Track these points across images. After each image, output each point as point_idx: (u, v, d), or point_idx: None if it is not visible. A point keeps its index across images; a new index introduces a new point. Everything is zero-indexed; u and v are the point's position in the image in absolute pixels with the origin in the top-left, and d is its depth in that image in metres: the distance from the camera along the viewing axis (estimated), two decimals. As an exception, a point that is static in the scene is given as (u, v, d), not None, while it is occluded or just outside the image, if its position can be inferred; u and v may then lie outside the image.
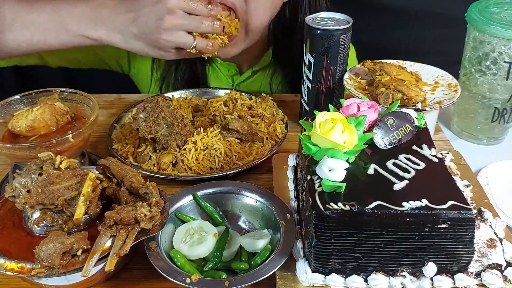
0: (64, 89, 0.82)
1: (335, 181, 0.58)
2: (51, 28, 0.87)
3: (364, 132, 0.65)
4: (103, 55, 1.15)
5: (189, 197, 0.70)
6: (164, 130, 0.81)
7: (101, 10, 0.86)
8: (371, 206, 0.55)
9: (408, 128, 0.67)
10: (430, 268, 0.57)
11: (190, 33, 0.84)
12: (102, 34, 0.86)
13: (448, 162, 0.75)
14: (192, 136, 0.84)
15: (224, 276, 0.61)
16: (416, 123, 0.69)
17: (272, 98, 0.99)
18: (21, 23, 0.86)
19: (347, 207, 0.55)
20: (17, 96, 0.81)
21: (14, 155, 0.72)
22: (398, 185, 0.58)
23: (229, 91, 1.00)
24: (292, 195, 0.73)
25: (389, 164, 0.62)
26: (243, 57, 1.06)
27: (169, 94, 1.02)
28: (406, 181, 0.59)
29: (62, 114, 0.79)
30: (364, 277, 0.59)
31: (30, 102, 0.81)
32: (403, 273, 0.58)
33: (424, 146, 0.65)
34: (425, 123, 0.70)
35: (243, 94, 1.00)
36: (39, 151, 0.60)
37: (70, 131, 0.73)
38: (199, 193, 0.71)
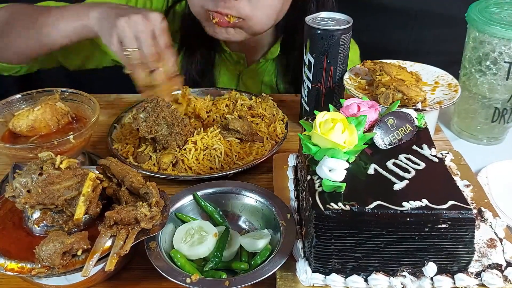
0: (64, 89, 0.82)
1: (335, 181, 0.58)
2: (53, 19, 0.88)
3: (364, 132, 0.65)
4: None
5: (189, 197, 0.70)
6: (164, 130, 0.81)
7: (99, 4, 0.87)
8: (371, 206, 0.55)
9: (408, 128, 0.67)
10: (430, 268, 0.57)
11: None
12: (91, 19, 0.85)
13: (448, 162, 0.75)
14: (192, 136, 0.84)
15: (224, 276, 0.61)
16: (416, 123, 0.69)
17: (272, 98, 0.99)
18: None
19: (347, 207, 0.55)
20: (18, 96, 0.80)
21: (14, 155, 0.72)
22: (398, 185, 0.58)
23: (229, 91, 1.01)
24: (292, 195, 0.73)
25: (389, 164, 0.62)
26: (251, 48, 1.09)
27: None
28: (406, 181, 0.59)
29: (63, 114, 0.79)
30: (364, 277, 0.59)
31: (31, 101, 0.81)
32: (403, 273, 0.58)
33: (424, 146, 0.65)
34: (425, 123, 0.70)
35: (243, 94, 1.00)
36: (39, 151, 0.60)
37: (71, 132, 0.73)
38: (199, 193, 0.71)
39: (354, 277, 0.59)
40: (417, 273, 0.59)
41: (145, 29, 0.80)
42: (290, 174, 0.78)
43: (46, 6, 0.95)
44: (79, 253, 0.56)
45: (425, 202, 0.55)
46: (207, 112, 0.95)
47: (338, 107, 0.70)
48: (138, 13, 0.81)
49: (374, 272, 0.58)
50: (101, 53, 1.10)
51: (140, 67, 0.82)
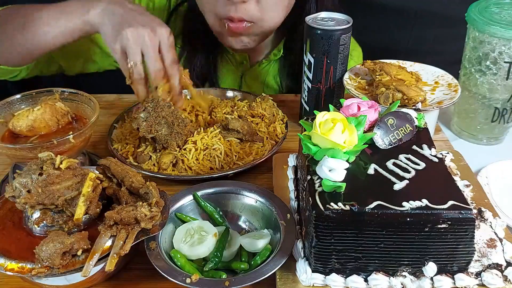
0: (64, 89, 0.82)
1: (335, 181, 0.58)
2: (52, 16, 0.86)
3: (364, 132, 0.65)
4: None
5: (189, 197, 0.70)
6: (165, 130, 0.81)
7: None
8: (371, 206, 0.55)
9: (408, 128, 0.67)
10: (430, 268, 0.57)
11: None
12: (92, 15, 0.83)
13: (448, 162, 0.75)
14: (192, 136, 0.84)
15: (224, 276, 0.61)
16: (416, 123, 0.69)
17: (272, 98, 0.99)
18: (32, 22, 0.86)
19: (347, 207, 0.55)
20: (18, 96, 0.80)
21: (14, 155, 0.72)
22: (398, 185, 0.58)
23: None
24: (292, 195, 0.73)
25: (389, 164, 0.62)
26: (255, 49, 1.10)
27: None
28: (406, 181, 0.59)
29: (63, 114, 0.79)
30: (364, 277, 0.59)
31: (30, 101, 0.81)
32: (403, 273, 0.58)
33: (424, 146, 0.65)
34: (425, 123, 0.70)
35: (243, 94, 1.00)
36: (39, 151, 0.60)
37: (71, 132, 0.73)
38: (199, 193, 0.71)
39: (354, 277, 0.59)
40: (417, 273, 0.59)
41: (152, 44, 0.79)
42: (290, 174, 0.78)
43: (44, 5, 0.92)
44: (79, 253, 0.56)
45: (425, 202, 0.55)
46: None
47: (338, 107, 0.70)
48: (146, 26, 0.80)
49: (374, 272, 0.58)
50: (102, 56, 1.10)
51: (141, 82, 0.82)
